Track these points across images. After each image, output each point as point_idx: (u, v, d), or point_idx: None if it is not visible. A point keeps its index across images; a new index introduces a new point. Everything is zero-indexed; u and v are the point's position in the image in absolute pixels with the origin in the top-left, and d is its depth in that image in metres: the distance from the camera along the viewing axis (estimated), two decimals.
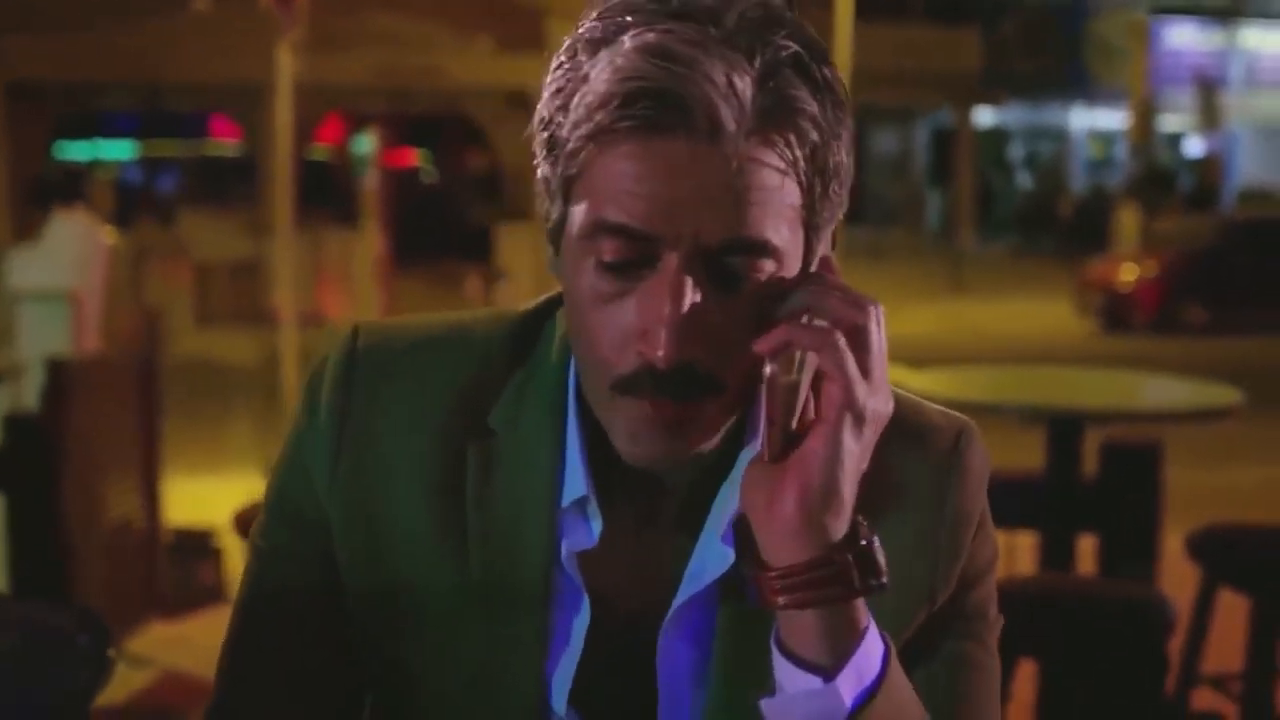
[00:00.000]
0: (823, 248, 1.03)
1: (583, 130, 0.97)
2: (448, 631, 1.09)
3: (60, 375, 4.64)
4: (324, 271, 14.20)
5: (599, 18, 0.99)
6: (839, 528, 0.96)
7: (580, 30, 1.00)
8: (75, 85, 14.94)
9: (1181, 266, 16.52)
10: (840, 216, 1.04)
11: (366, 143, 17.32)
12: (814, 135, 0.98)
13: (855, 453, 0.97)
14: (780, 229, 0.98)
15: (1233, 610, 3.62)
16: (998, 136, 35.03)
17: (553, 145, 1.01)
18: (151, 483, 5.24)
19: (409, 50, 12.57)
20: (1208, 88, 27.03)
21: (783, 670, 0.98)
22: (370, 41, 13.21)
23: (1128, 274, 16.79)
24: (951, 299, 19.68)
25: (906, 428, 1.08)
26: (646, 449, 1.01)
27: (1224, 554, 3.45)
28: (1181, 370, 5.62)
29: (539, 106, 1.02)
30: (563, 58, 1.00)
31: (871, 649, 0.98)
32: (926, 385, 4.05)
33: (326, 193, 17.11)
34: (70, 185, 6.66)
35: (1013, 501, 3.93)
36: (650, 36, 0.95)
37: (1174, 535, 3.89)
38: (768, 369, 0.98)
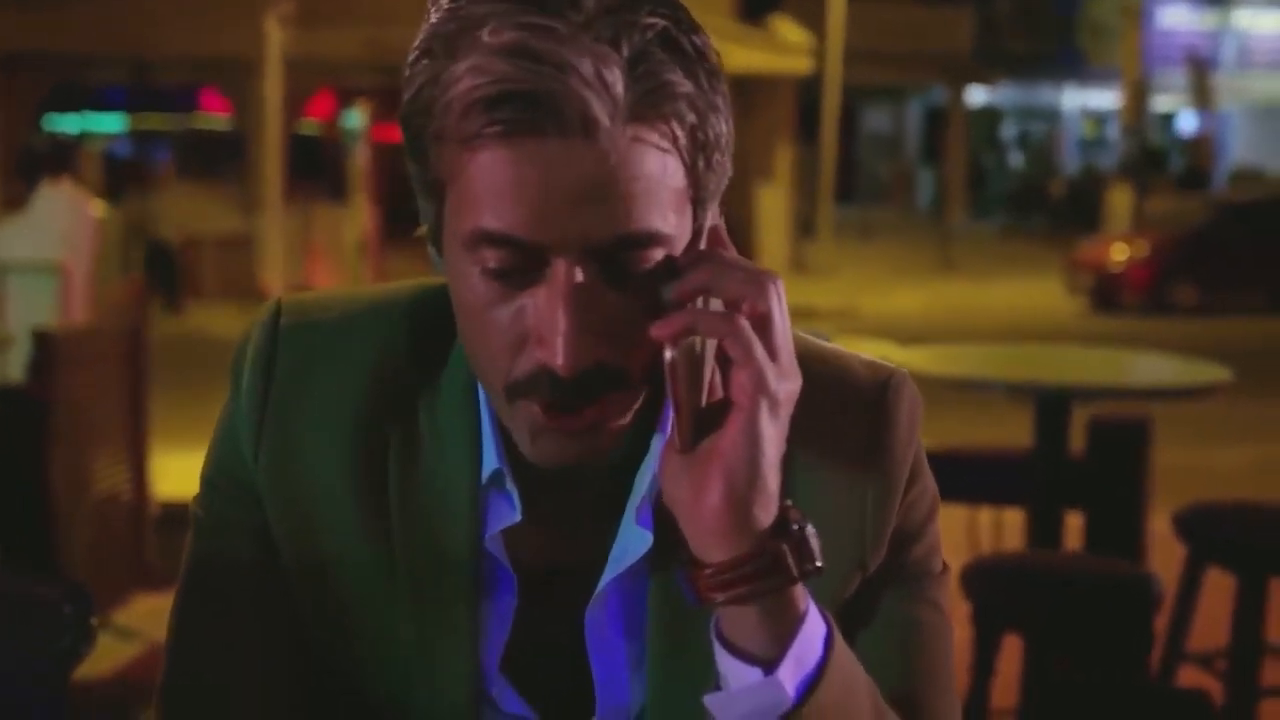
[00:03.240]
0: (710, 218, 0.99)
1: (448, 136, 0.93)
2: (377, 614, 1.07)
3: (48, 347, 4.63)
4: (313, 246, 14.13)
5: (449, 8, 0.94)
6: (767, 517, 0.94)
7: (432, 21, 0.95)
8: (65, 58, 14.89)
9: (1172, 247, 16.56)
10: (725, 183, 1.00)
11: (356, 118, 17.24)
12: (691, 116, 0.94)
13: (774, 438, 0.94)
14: (667, 215, 0.94)
15: (1218, 588, 3.64)
16: (990, 116, 35.06)
17: (417, 146, 0.96)
18: (139, 455, 5.23)
19: (399, 25, 12.53)
20: (1200, 68, 27.03)
21: (724, 662, 0.96)
22: (360, 16, 13.16)
23: (1119, 254, 16.82)
24: (942, 278, 19.70)
25: (825, 385, 1.03)
26: (548, 452, 0.98)
27: (1210, 532, 3.46)
28: (1171, 350, 5.62)
29: (403, 101, 0.97)
30: (417, 52, 0.95)
31: (813, 633, 0.95)
32: (915, 362, 4.05)
33: (316, 167, 17.01)
34: (59, 157, 6.63)
35: (1000, 478, 3.93)
36: (509, 35, 0.90)
37: (1161, 513, 3.90)
38: (668, 354, 0.93)
